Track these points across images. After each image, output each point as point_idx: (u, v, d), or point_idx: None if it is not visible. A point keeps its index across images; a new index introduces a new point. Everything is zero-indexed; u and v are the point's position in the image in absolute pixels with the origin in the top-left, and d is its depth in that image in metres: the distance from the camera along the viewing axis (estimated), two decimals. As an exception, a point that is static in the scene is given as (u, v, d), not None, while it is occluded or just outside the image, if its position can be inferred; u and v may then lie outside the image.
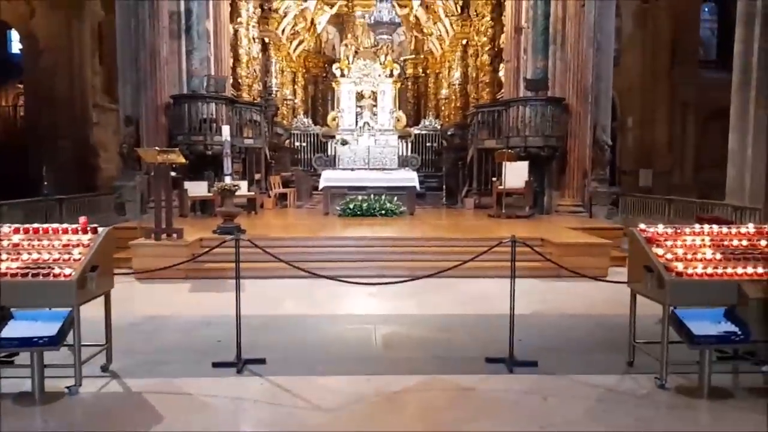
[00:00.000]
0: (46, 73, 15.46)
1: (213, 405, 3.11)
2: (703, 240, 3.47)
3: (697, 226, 3.57)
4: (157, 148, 7.16)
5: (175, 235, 6.58)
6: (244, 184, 10.23)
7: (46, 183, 7.71)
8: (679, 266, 3.24)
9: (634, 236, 3.49)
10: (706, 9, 18.27)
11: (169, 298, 5.65)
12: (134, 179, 9.83)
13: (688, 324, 3.15)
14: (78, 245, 3.22)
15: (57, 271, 3.02)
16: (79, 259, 3.12)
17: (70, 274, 3.02)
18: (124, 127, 10.38)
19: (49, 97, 15.43)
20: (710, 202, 9.01)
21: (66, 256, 3.15)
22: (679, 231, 3.50)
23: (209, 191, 9.09)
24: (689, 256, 3.34)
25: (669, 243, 3.41)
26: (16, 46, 17.75)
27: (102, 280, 3.24)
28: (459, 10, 16.84)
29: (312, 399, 3.17)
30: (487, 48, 14.59)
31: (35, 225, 3.33)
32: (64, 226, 3.34)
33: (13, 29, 16.86)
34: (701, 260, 3.34)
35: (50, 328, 2.92)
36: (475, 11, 15.66)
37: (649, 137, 16.84)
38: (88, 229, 3.32)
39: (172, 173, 6.71)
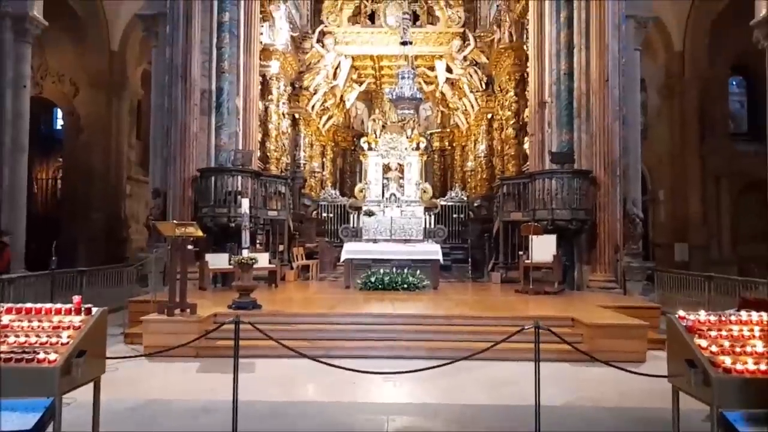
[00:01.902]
0: (83, 148, 16.16)
1: None
2: (751, 330, 3.09)
3: (743, 313, 3.19)
4: (174, 221, 7.16)
5: (188, 311, 6.40)
6: (265, 256, 10.14)
7: (54, 258, 7.72)
8: (727, 361, 2.85)
9: (673, 325, 3.14)
10: (734, 82, 18.19)
11: (175, 378, 5.38)
12: (158, 251, 9.84)
13: (742, 430, 2.73)
14: (69, 327, 3.05)
15: (41, 356, 2.83)
16: (67, 343, 2.93)
17: (54, 360, 2.82)
18: (152, 200, 10.57)
19: (86, 171, 16.04)
20: (754, 281, 8.44)
21: (54, 339, 2.97)
22: (723, 319, 3.13)
23: (230, 263, 8.99)
24: (737, 349, 2.95)
25: (713, 333, 3.04)
26: (60, 123, 18.71)
27: (91, 365, 3.03)
28: (483, 86, 17.20)
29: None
30: (511, 122, 14.67)
31: (29, 305, 3.19)
32: (58, 306, 3.19)
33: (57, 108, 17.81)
34: (751, 354, 2.95)
35: (28, 421, 2.69)
36: (499, 87, 15.95)
37: (682, 210, 16.35)
38: (82, 309, 3.15)
39: (190, 246, 6.63)
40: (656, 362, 6.05)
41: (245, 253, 7.02)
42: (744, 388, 2.81)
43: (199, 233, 6.65)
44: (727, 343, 2.98)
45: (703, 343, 2.97)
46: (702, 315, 3.17)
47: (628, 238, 9.85)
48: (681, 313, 3.19)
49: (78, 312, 3.15)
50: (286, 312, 7.14)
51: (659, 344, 6.72)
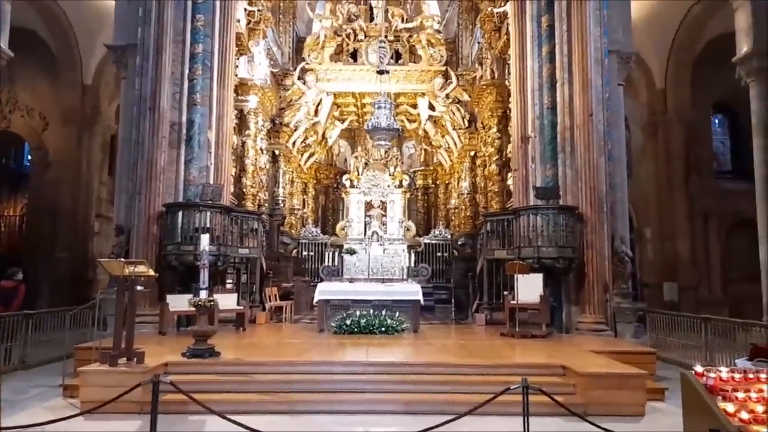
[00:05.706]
0: (50, 185, 15.49)
1: None
2: (784, 389, 2.54)
3: (772, 368, 2.65)
4: (122, 259, 6.52)
5: (134, 359, 5.70)
6: (233, 297, 9.49)
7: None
8: (762, 432, 2.29)
9: (689, 383, 2.58)
10: (716, 121, 18.20)
11: (109, 441, 4.66)
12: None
13: None
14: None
15: None
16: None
17: None
18: (115, 237, 9.94)
19: (52, 208, 15.33)
20: (753, 323, 7.95)
21: None
22: (751, 377, 2.58)
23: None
24: (773, 416, 2.40)
25: (740, 395, 2.48)
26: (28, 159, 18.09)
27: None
28: (466, 124, 17.06)
29: None
30: (494, 158, 14.41)
31: None
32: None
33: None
34: (788, 419, 2.40)
35: None
36: (482, 123, 15.76)
37: (670, 249, 15.97)
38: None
39: (139, 287, 5.98)
40: (656, 416, 5.47)
41: (203, 294, 6.37)
42: (785, 466, 2.23)
43: (151, 273, 6.01)
44: (760, 408, 2.41)
45: (730, 407, 2.40)
46: (723, 371, 2.62)
47: (617, 277, 9.35)
48: (698, 368, 2.63)
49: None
50: (247, 360, 6.43)
51: (658, 394, 6.16)
